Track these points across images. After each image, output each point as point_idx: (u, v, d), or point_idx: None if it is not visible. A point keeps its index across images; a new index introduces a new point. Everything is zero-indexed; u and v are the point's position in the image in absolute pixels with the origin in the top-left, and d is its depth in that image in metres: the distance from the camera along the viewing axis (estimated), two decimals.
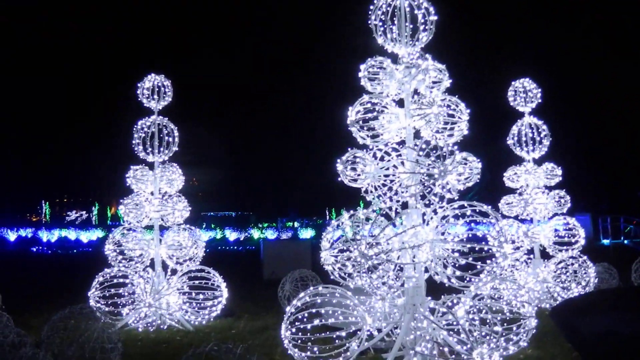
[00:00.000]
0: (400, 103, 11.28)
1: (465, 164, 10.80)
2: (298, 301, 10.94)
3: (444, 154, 10.27)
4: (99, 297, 15.94)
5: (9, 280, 26.91)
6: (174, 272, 16.69)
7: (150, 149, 16.96)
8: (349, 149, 10.93)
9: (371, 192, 11.00)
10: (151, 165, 17.05)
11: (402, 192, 10.85)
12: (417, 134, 11.20)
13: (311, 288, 16.20)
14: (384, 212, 10.76)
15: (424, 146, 10.56)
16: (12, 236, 68.46)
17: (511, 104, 18.11)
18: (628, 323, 5.66)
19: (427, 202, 10.52)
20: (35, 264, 41.12)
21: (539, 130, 17.69)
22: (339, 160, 10.92)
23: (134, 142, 17.06)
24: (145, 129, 17.04)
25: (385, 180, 11.07)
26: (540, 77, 18.77)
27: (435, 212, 10.43)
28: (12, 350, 10.43)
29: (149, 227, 16.97)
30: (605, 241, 43.25)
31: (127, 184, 16.80)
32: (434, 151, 10.39)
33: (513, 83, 18.21)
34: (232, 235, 73.57)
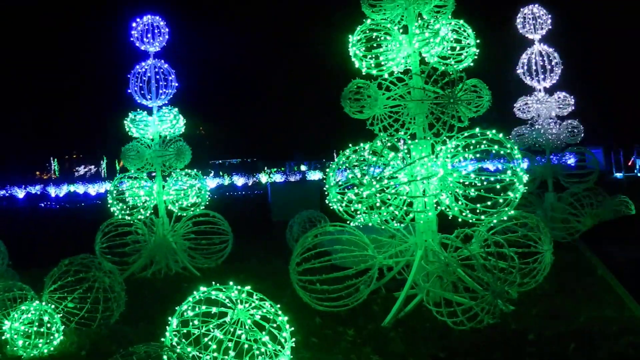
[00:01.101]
0: (405, 30, 10.63)
1: (475, 91, 10.18)
2: (305, 240, 10.52)
3: (453, 80, 9.68)
4: (105, 247, 15.66)
5: (17, 235, 26.71)
6: (178, 218, 16.34)
7: (148, 94, 16.43)
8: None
9: (377, 123, 10.46)
10: (150, 111, 16.52)
11: (410, 123, 10.30)
12: (423, 62, 10.57)
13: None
14: (391, 145, 10.20)
15: (430, 73, 9.98)
16: (20, 193, 68.54)
17: (520, 31, 17.35)
18: None
19: (436, 132, 9.98)
20: (43, 219, 41.01)
21: (550, 58, 16.98)
22: (342, 92, 10.34)
23: (130, 87, 16.54)
24: (142, 73, 16.51)
25: (392, 111, 10.51)
26: (550, 2, 17.97)
27: (444, 142, 9.89)
28: (13, 305, 10.14)
29: (151, 174, 16.58)
30: (618, 174, 42.65)
31: (127, 131, 16.32)
32: (442, 78, 9.81)
33: (522, 10, 17.43)
34: (239, 180, 73.31)
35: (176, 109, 16.53)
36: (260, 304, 7.19)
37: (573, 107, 16.82)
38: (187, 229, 16.09)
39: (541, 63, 16.95)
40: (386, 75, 10.40)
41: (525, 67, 17.11)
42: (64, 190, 68.65)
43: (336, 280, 10.10)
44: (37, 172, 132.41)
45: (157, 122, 16.29)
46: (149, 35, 16.64)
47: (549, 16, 17.21)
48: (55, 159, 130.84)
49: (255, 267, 15.71)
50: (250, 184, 72.55)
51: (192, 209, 16.37)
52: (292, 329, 7.42)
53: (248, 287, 7.24)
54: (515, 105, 17.42)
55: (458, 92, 9.59)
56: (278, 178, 73.34)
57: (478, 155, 9.63)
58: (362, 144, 9.75)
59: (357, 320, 9.77)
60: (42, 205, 54.62)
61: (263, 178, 75.16)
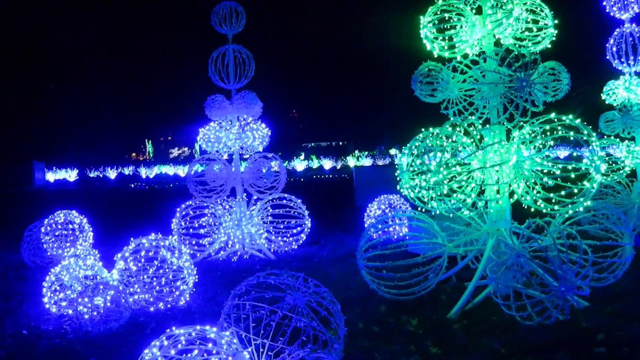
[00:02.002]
0: (478, 11, 10.21)
1: (553, 74, 9.69)
2: (374, 227, 10.34)
3: (527, 63, 9.23)
4: (183, 228, 15.93)
5: (104, 215, 27.58)
6: (255, 201, 16.45)
7: (226, 78, 16.56)
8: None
9: (451, 107, 10.12)
10: (229, 94, 16.64)
11: (484, 107, 9.91)
12: (498, 44, 10.13)
13: (389, 213, 15.65)
14: (464, 130, 9.83)
15: (505, 55, 9.55)
16: (112, 174, 70.87)
17: (608, 11, 16.44)
18: None
19: (510, 118, 9.55)
20: (131, 199, 42.23)
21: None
22: (412, 75, 10.05)
23: (209, 71, 16.72)
24: (220, 57, 16.66)
25: (466, 95, 10.14)
26: None
27: (519, 127, 9.46)
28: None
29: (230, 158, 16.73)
30: None
31: (205, 114, 16.51)
32: (516, 60, 9.37)
33: None
34: (327, 164, 73.47)
35: (254, 93, 16.58)
36: (315, 290, 7.04)
37: None
38: (265, 212, 16.16)
39: (631, 45, 16.02)
40: (459, 58, 10.04)
41: (614, 49, 16.20)
42: (154, 171, 70.54)
43: (405, 268, 9.87)
44: (133, 154, 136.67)
45: (235, 105, 16.37)
46: (229, 19, 16.73)
47: None
48: (150, 141, 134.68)
49: (331, 252, 15.65)
50: (338, 167, 72.65)
51: (270, 192, 16.47)
52: (346, 317, 7.26)
53: (302, 274, 7.08)
54: (603, 90, 16.55)
55: (533, 75, 9.13)
56: (367, 162, 73.14)
57: (554, 142, 9.17)
58: (432, 129, 9.44)
59: (422, 309, 9.53)
60: (132, 186, 56.41)
61: (351, 161, 75.11)
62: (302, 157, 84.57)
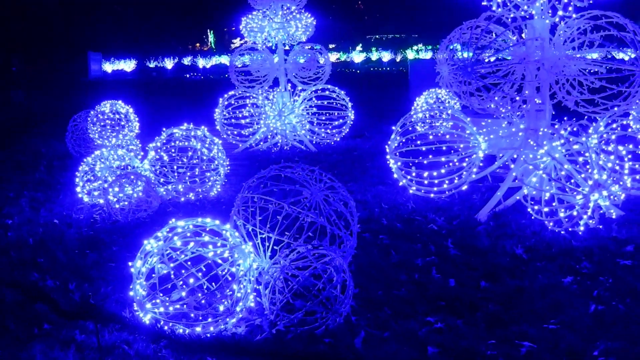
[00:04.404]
0: None
1: None
2: (406, 120, 9.99)
3: None
4: (225, 118, 15.84)
5: (154, 106, 27.71)
6: (299, 92, 16.19)
7: None
8: None
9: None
10: None
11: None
12: None
13: (420, 103, 15.21)
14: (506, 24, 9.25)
15: None
16: (169, 64, 70.80)
17: None
18: None
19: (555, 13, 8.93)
20: (185, 89, 42.31)
21: None
22: None
23: None
24: None
25: None
26: None
27: (564, 22, 8.86)
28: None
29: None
30: None
31: (248, 4, 16.09)
32: None
33: None
34: (386, 56, 71.98)
35: None
36: (331, 185, 6.82)
37: None
38: (308, 103, 15.90)
39: None
40: None
41: None
42: (212, 61, 70.30)
43: (437, 165, 9.56)
44: (197, 44, 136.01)
45: None
46: None
47: None
48: (212, 31, 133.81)
49: (373, 145, 15.43)
50: (397, 60, 71.22)
51: (314, 82, 16.17)
52: (365, 214, 7.07)
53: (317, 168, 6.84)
54: None
55: None
56: (427, 55, 71.43)
57: (599, 40, 8.58)
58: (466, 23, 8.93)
59: (452, 209, 9.29)
60: (188, 76, 56.46)
61: (410, 54, 73.46)
62: (359, 48, 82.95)
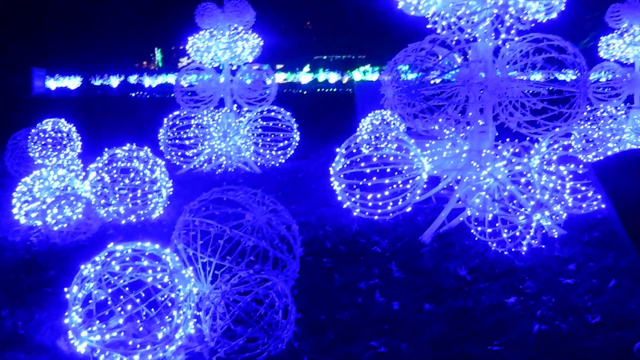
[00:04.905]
0: None
1: None
2: (351, 142, 9.95)
3: None
4: (169, 139, 15.65)
5: (94, 123, 27.20)
6: (244, 113, 16.10)
7: None
8: None
9: (436, 21, 9.57)
10: (221, 2, 16.06)
11: (471, 22, 9.36)
12: None
13: (365, 125, 15.25)
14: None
15: None
16: (115, 82, 69.89)
17: None
18: None
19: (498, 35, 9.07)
20: (129, 108, 41.78)
21: None
22: None
23: None
24: None
25: (454, 9, 9.57)
26: None
27: (507, 45, 9.00)
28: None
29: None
30: None
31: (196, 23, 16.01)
32: None
33: None
34: (332, 77, 72.30)
35: (246, 1, 16.00)
36: (274, 208, 6.74)
37: None
38: (253, 124, 15.82)
39: None
40: None
41: None
42: (158, 80, 69.69)
43: (382, 187, 9.54)
44: (144, 62, 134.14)
45: (226, 14, 15.83)
46: None
47: None
48: (159, 49, 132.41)
49: (319, 167, 15.37)
50: (344, 82, 71.60)
51: (260, 104, 16.12)
52: (312, 236, 7.02)
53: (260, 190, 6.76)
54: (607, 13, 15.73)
55: None
56: (373, 76, 71.93)
57: (541, 62, 8.73)
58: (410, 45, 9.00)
59: (396, 231, 9.29)
60: (133, 94, 55.80)
61: (357, 75, 73.91)
62: (307, 68, 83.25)
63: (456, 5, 9.36)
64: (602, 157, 8.99)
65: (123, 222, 10.24)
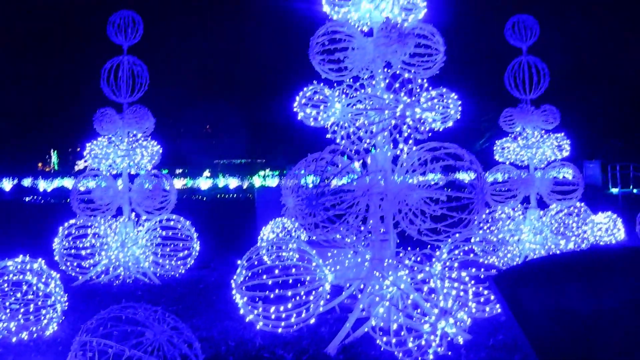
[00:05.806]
0: (370, 33, 9.93)
1: (442, 99, 9.47)
2: (252, 253, 9.82)
3: (414, 88, 9.00)
4: (64, 248, 15.01)
5: None
6: (143, 222, 15.69)
7: (118, 91, 15.83)
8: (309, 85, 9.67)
9: (335, 130, 9.75)
10: (121, 108, 15.90)
11: (370, 132, 9.58)
12: (390, 66, 9.85)
13: (266, 233, 15.22)
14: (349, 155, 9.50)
15: (391, 82, 9.29)
16: (7, 185, 67.57)
17: (508, 39, 16.52)
18: (584, 297, 4.44)
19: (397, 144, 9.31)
20: (23, 214, 40.37)
21: (538, 68, 16.18)
22: (296, 97, 9.66)
23: (102, 82, 15.96)
24: (113, 68, 15.93)
25: (352, 119, 9.80)
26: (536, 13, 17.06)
27: (405, 154, 9.23)
28: None
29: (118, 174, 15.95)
30: (615, 190, 41.56)
31: (94, 128, 15.72)
32: (404, 85, 9.13)
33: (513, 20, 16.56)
34: (232, 182, 72.35)
35: (146, 108, 15.90)
36: (175, 325, 6.48)
37: (557, 121, 15.94)
38: (152, 233, 15.42)
39: (527, 74, 16.17)
40: (348, 81, 9.76)
41: (511, 78, 16.31)
42: (54, 184, 67.81)
43: (285, 299, 9.39)
44: (40, 164, 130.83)
45: (125, 120, 15.64)
46: (125, 29, 16.06)
47: (538, 26, 16.40)
48: (55, 151, 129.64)
49: (220, 277, 15.07)
50: (244, 187, 71.74)
51: (159, 212, 15.77)
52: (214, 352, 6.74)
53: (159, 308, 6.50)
54: (501, 117, 16.59)
55: (418, 100, 8.92)
56: (273, 182, 72.45)
57: (440, 169, 8.99)
58: (310, 155, 9.10)
59: (301, 343, 9.07)
60: (27, 199, 54.02)
61: (257, 181, 74.30)
62: (207, 174, 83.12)
63: (355, 115, 9.60)
64: (502, 263, 9.28)
65: (14, 339, 9.60)
